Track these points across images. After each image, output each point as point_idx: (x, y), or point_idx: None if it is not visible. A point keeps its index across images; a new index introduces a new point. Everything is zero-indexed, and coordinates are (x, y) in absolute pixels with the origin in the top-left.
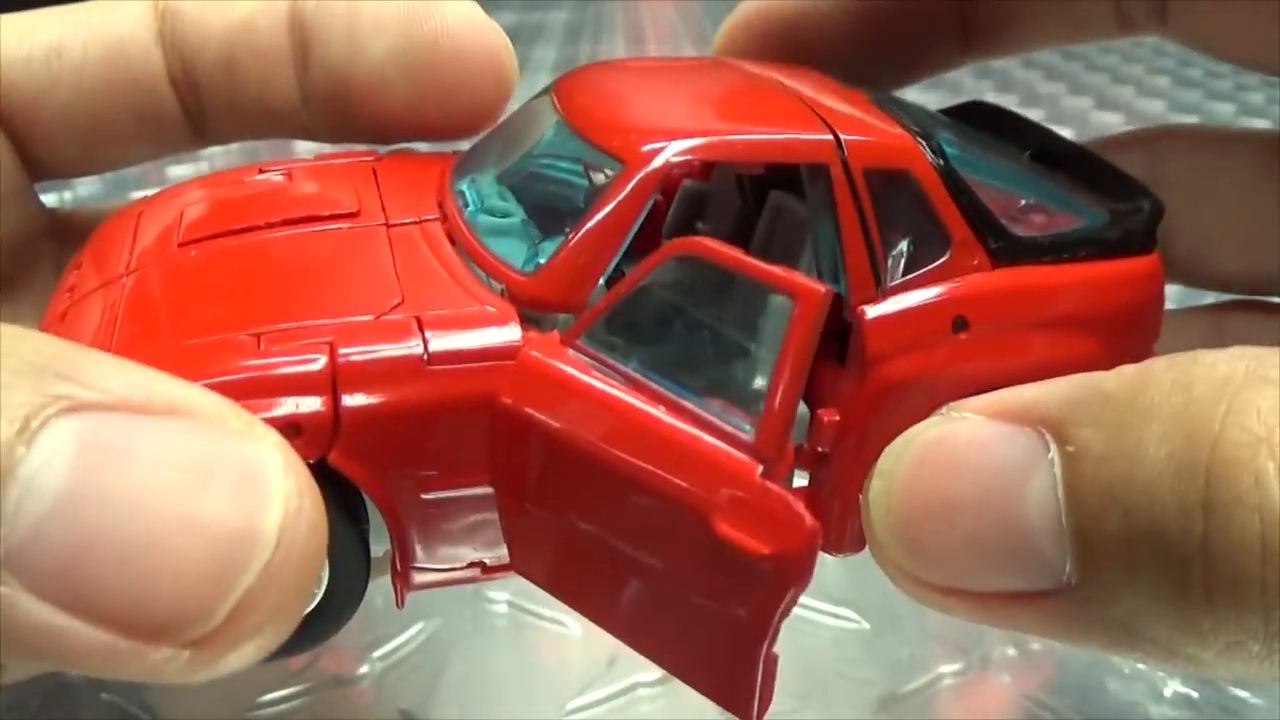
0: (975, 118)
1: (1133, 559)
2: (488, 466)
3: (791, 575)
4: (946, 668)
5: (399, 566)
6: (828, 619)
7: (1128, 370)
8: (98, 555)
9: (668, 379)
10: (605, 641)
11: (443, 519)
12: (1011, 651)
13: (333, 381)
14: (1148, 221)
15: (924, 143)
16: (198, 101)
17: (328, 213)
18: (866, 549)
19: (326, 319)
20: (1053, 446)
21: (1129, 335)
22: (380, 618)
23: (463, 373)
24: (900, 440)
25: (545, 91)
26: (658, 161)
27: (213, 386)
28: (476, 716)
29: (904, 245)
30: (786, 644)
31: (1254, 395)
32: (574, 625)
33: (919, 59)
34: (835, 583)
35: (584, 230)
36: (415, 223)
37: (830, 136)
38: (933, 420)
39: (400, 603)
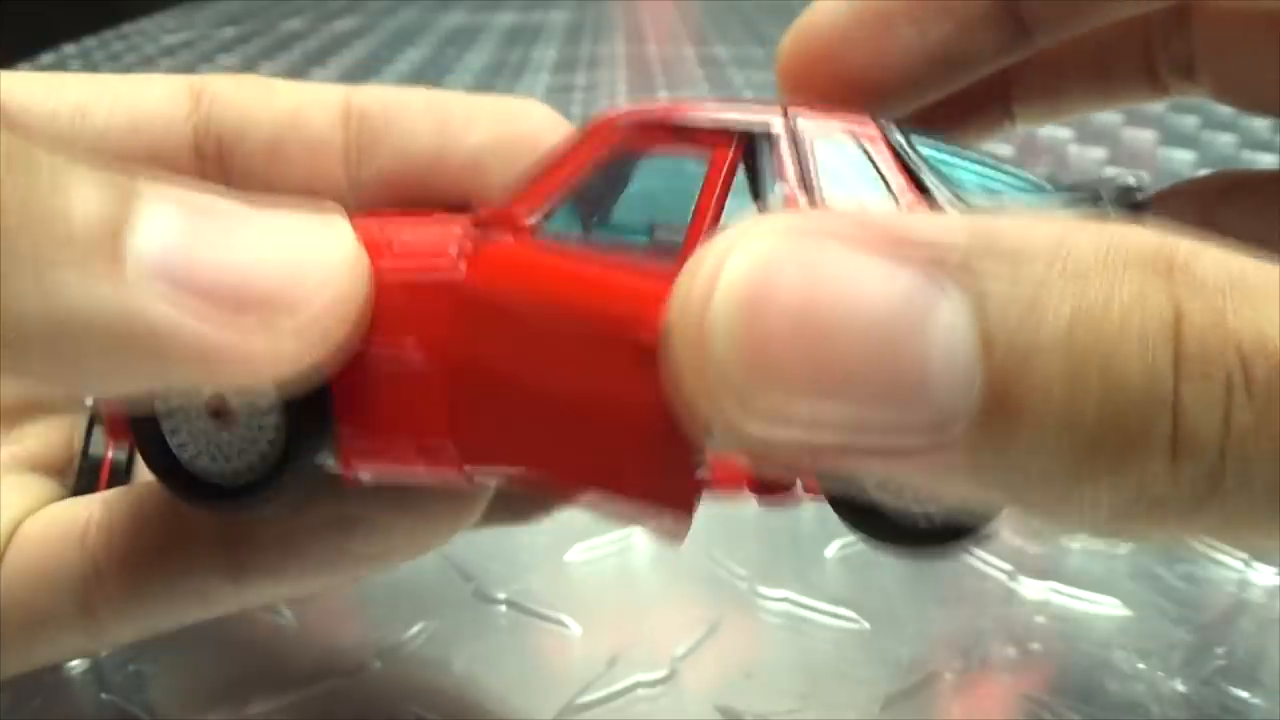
0: None
1: (1071, 414)
2: (430, 345)
3: None
4: (946, 668)
5: (337, 435)
6: (828, 619)
7: (1040, 222)
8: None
9: (613, 245)
10: (605, 641)
11: (380, 388)
12: (1011, 651)
13: None
14: (1127, 210)
15: (891, 130)
16: (224, 182)
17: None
18: None
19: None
20: (955, 290)
21: None
22: (380, 618)
23: (408, 264)
24: (764, 231)
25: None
26: (610, 115)
27: None
28: (476, 716)
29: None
30: (786, 644)
31: (1190, 280)
32: (574, 625)
33: (963, 127)
34: (835, 583)
35: (543, 172)
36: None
37: (782, 113)
38: (800, 221)
39: (346, 471)
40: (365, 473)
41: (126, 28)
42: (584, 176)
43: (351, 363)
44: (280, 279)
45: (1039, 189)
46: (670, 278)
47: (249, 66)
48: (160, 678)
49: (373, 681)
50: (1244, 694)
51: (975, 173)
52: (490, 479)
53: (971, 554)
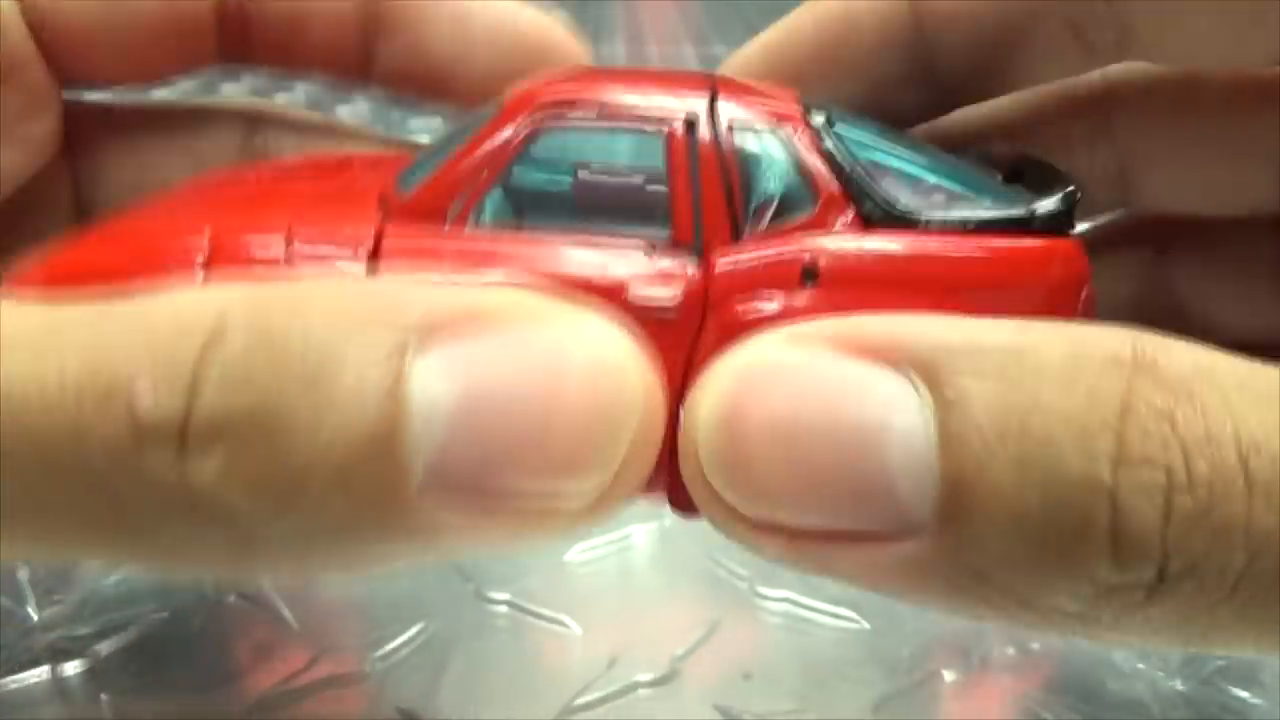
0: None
1: (1019, 507)
2: None
3: (690, 318)
4: (946, 668)
5: None
6: (827, 619)
7: (1007, 324)
8: (497, 459)
9: (566, 227)
10: (606, 641)
11: None
12: (1011, 651)
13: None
14: (1056, 205)
15: (809, 112)
16: (243, 43)
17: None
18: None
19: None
20: (923, 391)
21: (1014, 310)
22: (380, 618)
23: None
24: (741, 354)
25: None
26: (540, 99)
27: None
28: (476, 716)
29: (774, 199)
30: (786, 644)
31: (1148, 376)
32: (574, 625)
33: (892, 109)
34: (834, 583)
35: (452, 157)
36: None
37: (706, 95)
38: (776, 339)
39: None
40: None
41: None
42: (509, 162)
43: None
44: (578, 443)
45: (969, 186)
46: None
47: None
48: (160, 678)
49: (372, 682)
50: (1243, 694)
51: (902, 161)
52: None
53: None
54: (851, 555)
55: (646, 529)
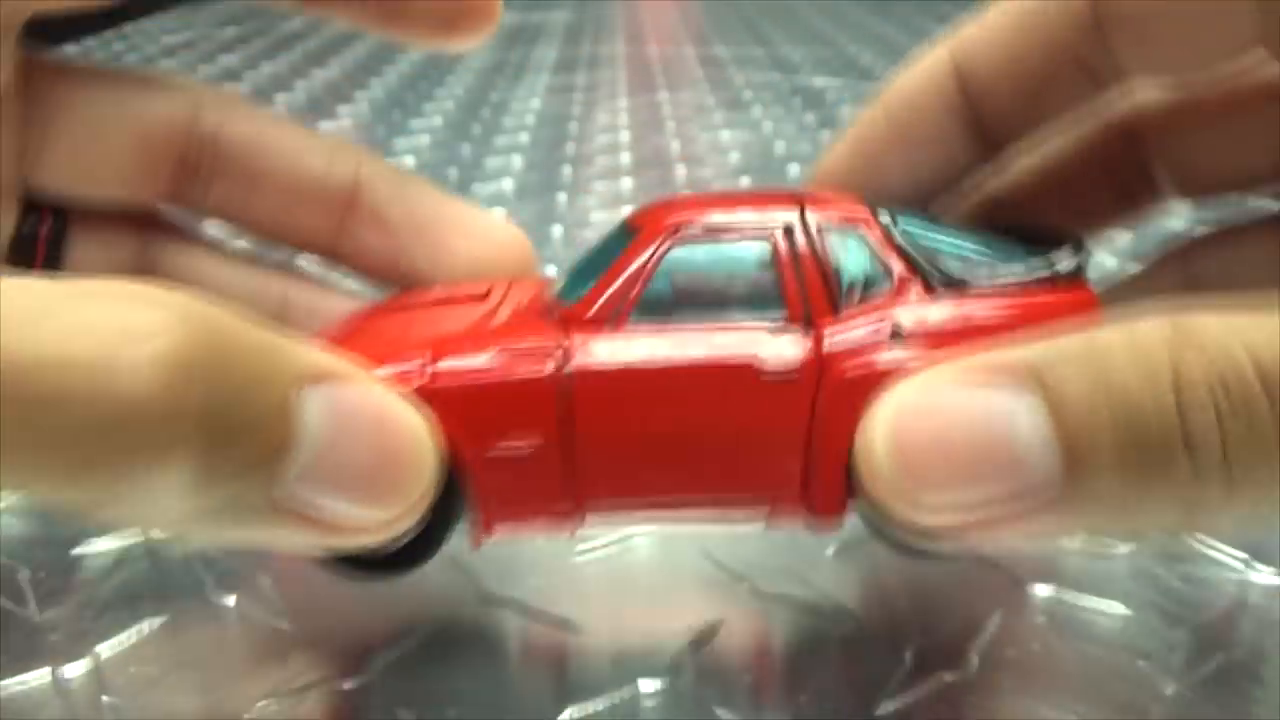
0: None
1: (1119, 453)
2: (541, 428)
3: (809, 379)
4: (946, 669)
5: (479, 516)
6: (827, 619)
7: (1075, 334)
8: (346, 474)
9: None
10: (607, 643)
11: (505, 471)
12: (1011, 652)
13: (426, 369)
14: (1072, 263)
15: (874, 212)
16: (198, 190)
17: (464, 294)
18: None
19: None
20: (1031, 387)
21: None
22: (380, 619)
23: (519, 357)
24: (892, 397)
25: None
26: (668, 222)
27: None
28: (476, 717)
29: (861, 280)
30: (786, 645)
31: (1187, 341)
32: (575, 626)
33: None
34: (835, 583)
35: (611, 271)
36: (514, 299)
37: (797, 208)
38: (915, 382)
39: (476, 545)
40: (498, 534)
41: (127, 28)
42: (647, 278)
43: (486, 459)
44: (398, 476)
45: (1000, 253)
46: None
47: (249, 66)
48: (160, 680)
49: (372, 683)
50: (1244, 695)
51: (950, 242)
52: (606, 522)
53: (971, 556)
54: (1007, 518)
55: (647, 530)
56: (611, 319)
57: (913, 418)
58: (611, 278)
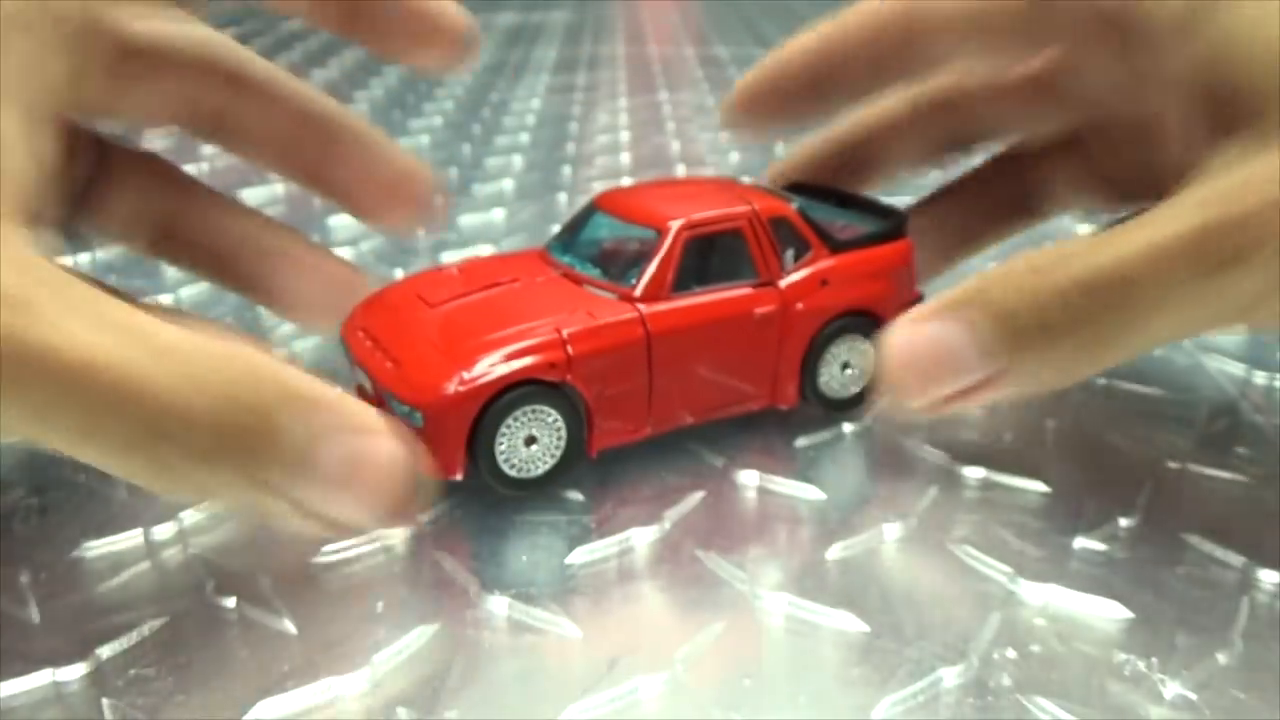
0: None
1: (1044, 329)
2: (636, 373)
3: (779, 315)
4: (946, 668)
5: (591, 434)
6: (827, 620)
7: (979, 276)
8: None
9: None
10: (607, 643)
11: (614, 402)
12: (1011, 652)
13: (564, 341)
14: (899, 223)
15: (793, 203)
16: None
17: (504, 279)
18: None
19: (547, 319)
20: (972, 311)
21: (899, 281)
22: (381, 619)
23: (618, 327)
24: (894, 328)
25: (590, 203)
26: (677, 225)
27: (511, 354)
28: (476, 718)
29: (791, 251)
30: (786, 646)
31: (1032, 263)
32: (574, 627)
33: (884, 170)
34: (835, 583)
35: (655, 262)
36: (549, 280)
37: (749, 206)
38: (902, 321)
39: (592, 454)
40: (603, 445)
41: None
42: (676, 263)
43: (602, 398)
44: (385, 485)
45: (859, 220)
46: (751, 289)
47: None
48: (160, 681)
49: (372, 684)
50: (1242, 695)
51: (834, 216)
52: (664, 430)
53: (971, 556)
54: (979, 395)
55: (647, 531)
56: (663, 296)
57: (899, 342)
58: (660, 267)
